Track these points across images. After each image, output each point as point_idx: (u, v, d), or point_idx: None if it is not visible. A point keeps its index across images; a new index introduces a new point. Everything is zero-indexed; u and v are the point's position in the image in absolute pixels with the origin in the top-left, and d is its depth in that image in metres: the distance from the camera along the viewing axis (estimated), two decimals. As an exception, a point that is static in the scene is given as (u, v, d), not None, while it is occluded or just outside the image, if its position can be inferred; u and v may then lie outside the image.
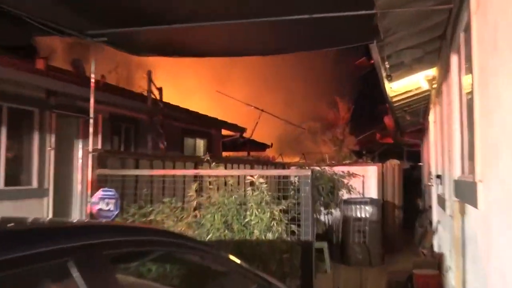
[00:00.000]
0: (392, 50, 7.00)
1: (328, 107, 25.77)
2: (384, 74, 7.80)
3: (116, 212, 5.84)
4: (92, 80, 6.65)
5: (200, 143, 16.20)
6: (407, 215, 13.24)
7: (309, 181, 5.64)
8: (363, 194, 11.81)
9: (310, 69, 28.09)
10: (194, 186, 6.19)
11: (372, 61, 7.40)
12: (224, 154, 19.10)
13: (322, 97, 26.57)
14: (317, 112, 26.31)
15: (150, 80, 12.11)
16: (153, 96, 12.44)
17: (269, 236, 5.80)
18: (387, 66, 7.43)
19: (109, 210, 5.89)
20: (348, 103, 25.37)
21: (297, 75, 28.39)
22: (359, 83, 25.56)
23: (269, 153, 22.95)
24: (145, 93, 12.78)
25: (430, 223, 10.84)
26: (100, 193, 5.91)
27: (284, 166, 12.82)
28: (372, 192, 12.04)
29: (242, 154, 20.92)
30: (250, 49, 7.06)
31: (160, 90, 12.40)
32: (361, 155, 13.84)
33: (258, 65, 26.04)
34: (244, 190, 6.16)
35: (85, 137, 9.44)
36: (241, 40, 6.40)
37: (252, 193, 5.91)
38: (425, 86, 8.91)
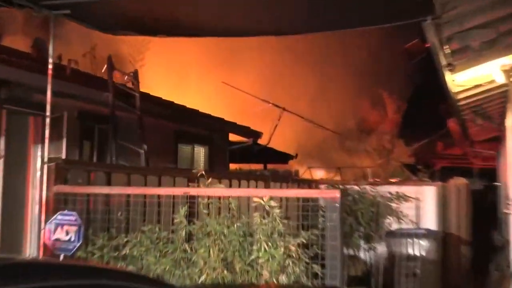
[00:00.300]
0: (453, 30, 6.90)
1: (371, 105, 25.64)
2: (444, 63, 7.72)
3: (78, 244, 5.81)
4: (50, 66, 6.68)
5: (200, 152, 16.17)
6: (477, 254, 13.05)
7: (338, 205, 5.56)
8: (417, 224, 11.67)
9: (346, 54, 27.99)
10: (183, 210, 6.14)
11: (428, 45, 7.33)
12: (232, 166, 19.08)
13: (363, 92, 26.43)
14: (357, 111, 26.18)
15: (111, 67, 12.10)
16: (128, 85, 12.44)
17: (283, 279, 5.74)
18: (448, 51, 7.34)
19: (68, 240, 5.86)
20: (399, 100, 25.20)
21: (329, 62, 28.32)
22: (413, 74, 25.39)
23: (293, 166, 22.92)
24: (128, 84, 12.83)
25: (508, 264, 10.65)
26: (57, 217, 5.90)
27: (310, 184, 12.75)
28: (430, 221, 11.87)
29: (257, 167, 20.90)
30: (261, 28, 7.03)
31: (134, 76, 12.37)
32: (416, 170, 13.68)
33: (277, 48, 26.05)
34: (254, 217, 6.11)
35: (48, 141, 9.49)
36: (248, 16, 6.37)
37: (261, 221, 5.85)
38: (501, 80, 8.78)
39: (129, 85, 12.82)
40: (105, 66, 12.07)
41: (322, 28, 7.78)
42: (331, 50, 27.79)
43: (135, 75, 12.47)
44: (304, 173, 20.11)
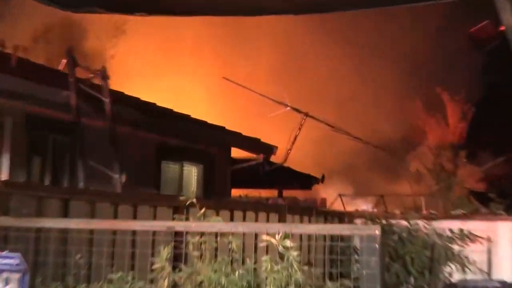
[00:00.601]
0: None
1: (425, 109, 25.57)
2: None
3: (22, 296, 5.80)
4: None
5: (191, 172, 16.22)
6: None
7: (377, 246, 5.53)
8: (488, 274, 11.63)
9: (391, 42, 27.99)
10: (166, 251, 6.12)
11: (502, 28, 7.35)
12: (236, 192, 19.10)
13: (414, 91, 26.38)
14: (404, 117, 26.09)
15: (72, 61, 12.14)
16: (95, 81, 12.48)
17: None
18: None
19: (9, 292, 5.86)
20: (464, 103, 25.10)
21: (367, 51, 28.32)
22: (483, 69, 25.27)
23: (319, 192, 22.90)
24: (94, 80, 12.91)
25: None
26: (-7, 260, 5.88)
27: (342, 217, 12.74)
28: (505, 269, 11.84)
29: (269, 193, 20.91)
30: (273, 4, 7.06)
31: (103, 74, 12.40)
32: (487, 200, 13.57)
33: (295, 30, 26.08)
34: (263, 262, 6.09)
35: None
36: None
37: (272, 267, 5.83)
38: None
39: (96, 81, 12.88)
40: (64, 61, 12.10)
41: (358, 5, 7.81)
42: (371, 36, 27.85)
43: (103, 74, 12.48)
44: (333, 203, 20.12)
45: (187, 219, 6.70)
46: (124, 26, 25.74)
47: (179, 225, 6.35)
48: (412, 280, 11.03)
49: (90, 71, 12.73)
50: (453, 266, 11.24)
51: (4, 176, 10.88)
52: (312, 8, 7.99)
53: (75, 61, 12.20)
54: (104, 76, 12.44)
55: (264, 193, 20.76)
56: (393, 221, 11.85)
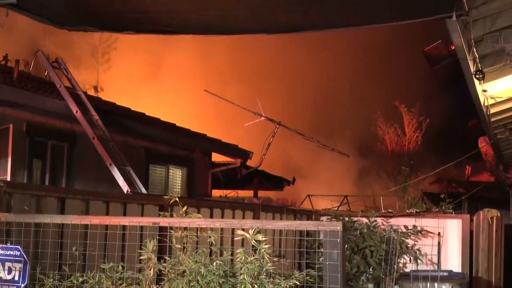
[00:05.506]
0: (484, 30, 6.96)
1: (384, 119, 25.65)
2: (471, 69, 7.76)
3: (23, 285, 5.79)
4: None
5: (176, 174, 16.21)
6: (512, 302, 13.03)
7: (339, 240, 5.55)
8: (438, 265, 11.69)
9: (354, 59, 28.09)
10: (152, 244, 6.13)
11: (453, 47, 7.39)
12: (216, 193, 19.08)
13: (374, 104, 26.48)
14: (365, 127, 26.16)
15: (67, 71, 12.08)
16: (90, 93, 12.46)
17: (272, 330, 5.72)
18: (476, 55, 7.39)
19: (11, 280, 5.84)
20: (419, 114, 25.21)
21: (333, 67, 28.37)
22: (438, 84, 25.40)
23: (291, 192, 22.89)
24: (90, 90, 12.88)
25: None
26: (-3, 252, 5.88)
27: (310, 215, 12.75)
28: (454, 261, 11.90)
29: (246, 194, 20.89)
30: (253, 24, 7.07)
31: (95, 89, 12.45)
32: (439, 200, 13.64)
33: (272, 50, 26.09)
34: (238, 254, 6.10)
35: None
36: (237, 9, 6.42)
37: (246, 258, 5.84)
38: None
39: (91, 93, 12.86)
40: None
41: (324, 26, 7.83)
42: (336, 55, 27.93)
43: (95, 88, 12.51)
44: (303, 202, 20.13)
45: (171, 216, 6.70)
46: (114, 43, 25.51)
47: (163, 221, 6.36)
48: (371, 270, 11.12)
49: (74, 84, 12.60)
50: (407, 258, 11.37)
51: (6, 178, 10.82)
52: (285, 28, 8.00)
53: (64, 67, 12.15)
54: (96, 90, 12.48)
55: (241, 193, 20.71)
56: (355, 218, 11.95)
